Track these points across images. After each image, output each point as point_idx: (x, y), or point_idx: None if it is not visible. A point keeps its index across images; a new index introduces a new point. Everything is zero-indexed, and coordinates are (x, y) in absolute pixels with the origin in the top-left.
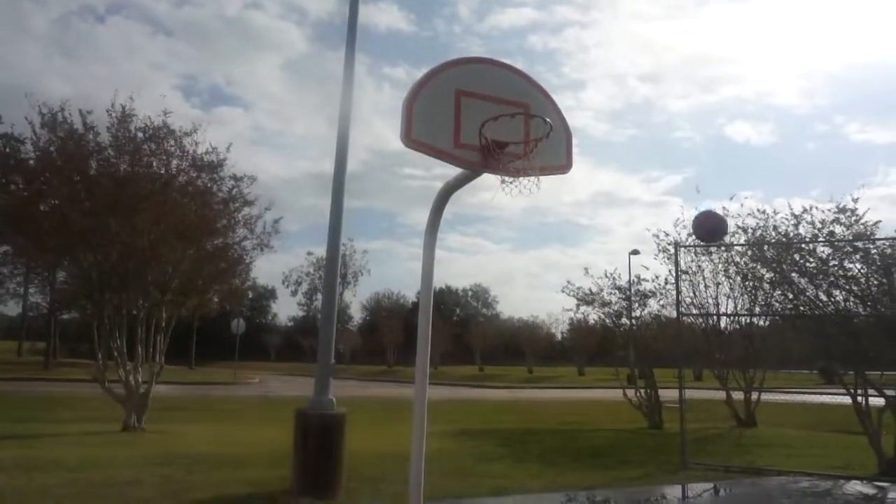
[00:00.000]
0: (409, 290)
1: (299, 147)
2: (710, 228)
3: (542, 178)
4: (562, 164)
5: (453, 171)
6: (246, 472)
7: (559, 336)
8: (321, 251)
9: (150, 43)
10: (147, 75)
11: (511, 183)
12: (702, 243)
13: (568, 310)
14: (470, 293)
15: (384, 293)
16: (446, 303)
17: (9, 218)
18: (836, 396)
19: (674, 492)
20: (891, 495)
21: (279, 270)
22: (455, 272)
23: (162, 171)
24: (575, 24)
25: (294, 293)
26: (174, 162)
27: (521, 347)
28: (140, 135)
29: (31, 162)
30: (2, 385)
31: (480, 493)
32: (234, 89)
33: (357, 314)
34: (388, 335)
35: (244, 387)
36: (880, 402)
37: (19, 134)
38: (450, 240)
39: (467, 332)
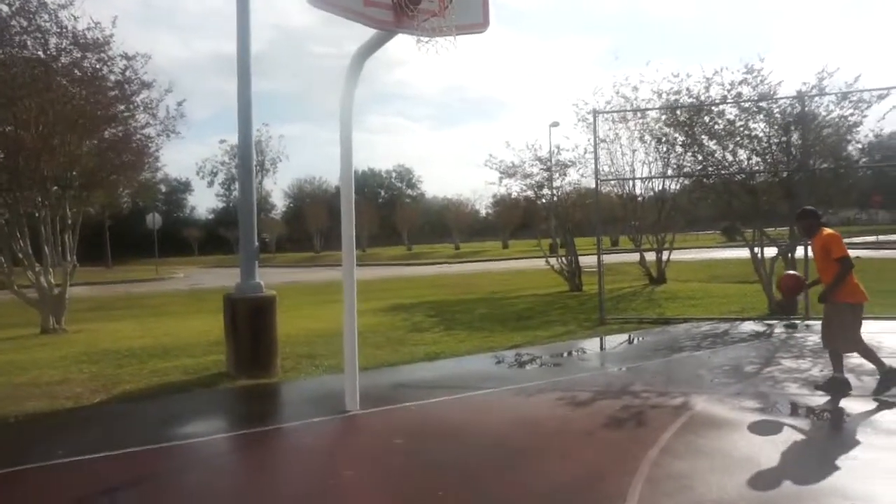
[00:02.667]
0: (330, 175)
1: (196, 25)
2: (790, 286)
3: (458, 37)
4: (478, 23)
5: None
6: (179, 361)
7: (484, 212)
8: (234, 138)
9: None
10: None
11: (427, 43)
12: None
13: (491, 183)
14: (394, 174)
15: (306, 179)
16: (370, 185)
17: None
18: (735, 251)
19: (592, 344)
20: (777, 330)
21: (192, 161)
22: (377, 154)
23: (40, 53)
24: None
25: (210, 184)
26: (52, 40)
27: (448, 225)
28: (5, 8)
29: None
30: None
31: (415, 359)
32: None
33: (280, 202)
34: (313, 221)
35: (168, 282)
36: (773, 252)
37: None
38: (369, 121)
39: (393, 214)
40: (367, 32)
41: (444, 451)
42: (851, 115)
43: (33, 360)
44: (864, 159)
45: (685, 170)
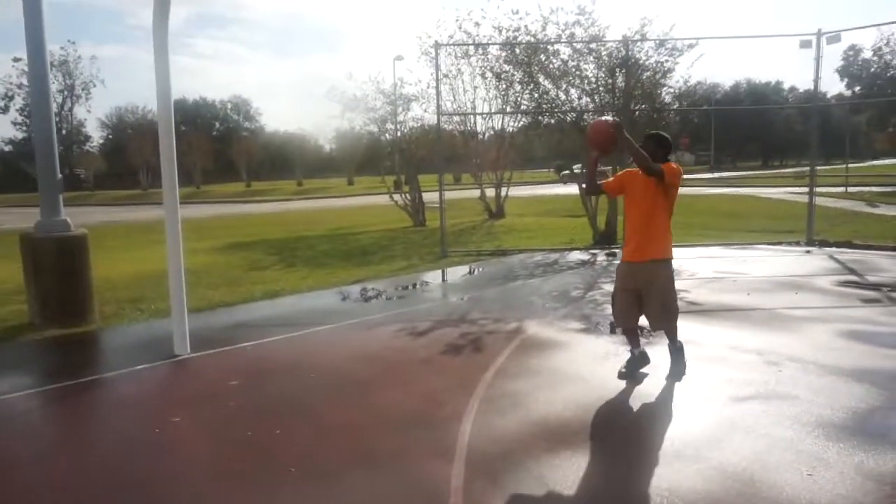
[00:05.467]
0: (155, 103)
1: None
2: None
3: None
4: None
5: None
6: None
7: (327, 148)
8: None
9: None
10: None
11: None
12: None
13: (333, 117)
14: (229, 105)
15: (127, 108)
16: (203, 116)
17: None
18: (566, 187)
19: (434, 276)
20: (599, 258)
21: None
22: (210, 83)
23: None
24: None
25: (5, 110)
26: None
27: (290, 161)
28: None
29: None
30: None
31: (253, 298)
32: None
33: (96, 133)
34: (138, 155)
35: None
36: None
37: None
38: (200, 45)
39: (230, 148)
40: None
41: (282, 389)
42: (666, 61)
43: None
44: (675, 104)
45: (522, 107)
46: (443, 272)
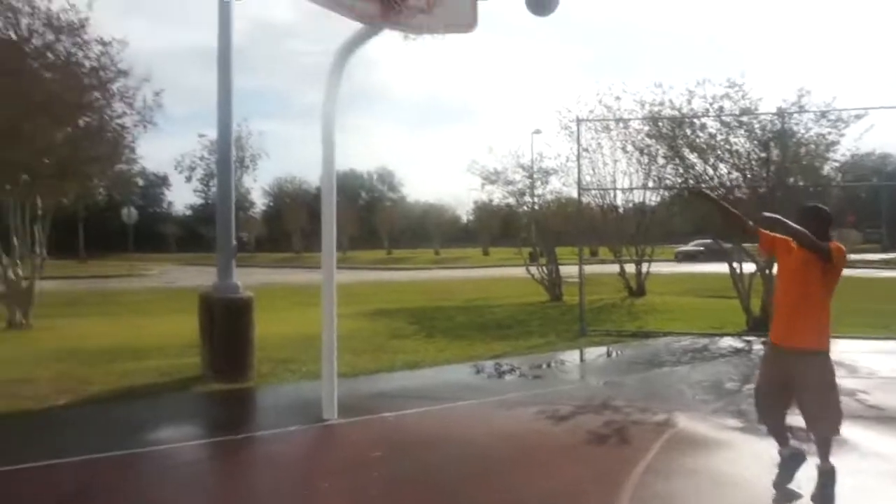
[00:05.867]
0: (310, 174)
1: (175, 16)
2: None
3: (445, 36)
4: (467, 23)
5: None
6: (152, 362)
7: (465, 218)
8: (213, 133)
9: None
10: None
11: (414, 40)
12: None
13: (473, 189)
14: (375, 176)
15: (286, 178)
16: (351, 186)
17: None
18: (715, 265)
19: (573, 356)
20: (756, 347)
21: (170, 156)
22: (358, 155)
23: (11, 33)
24: None
25: (188, 179)
26: (24, 21)
27: (428, 230)
28: None
29: None
30: None
31: (394, 367)
32: None
33: (259, 200)
34: (293, 221)
35: (142, 278)
36: (751, 268)
37: None
38: (350, 122)
39: (374, 216)
40: (351, 29)
41: (424, 463)
42: (829, 133)
43: None
44: (839, 178)
45: (666, 182)
46: (581, 352)
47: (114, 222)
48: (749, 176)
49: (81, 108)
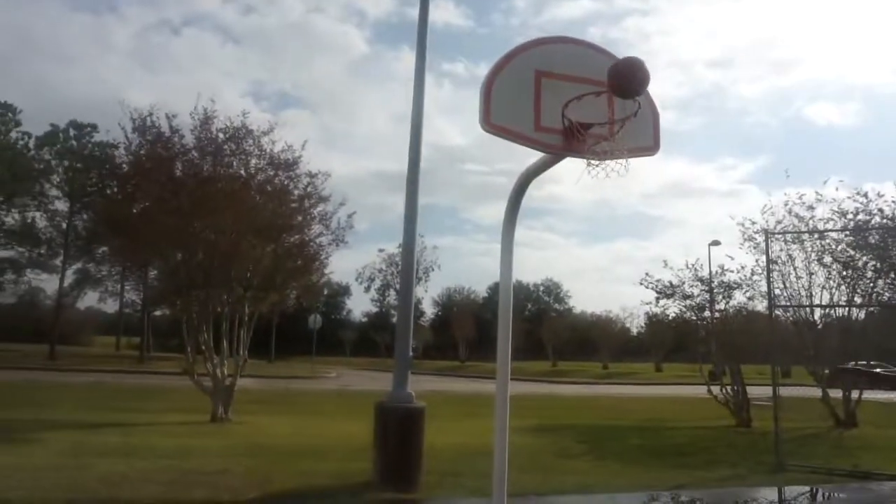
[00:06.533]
0: (477, 284)
1: (363, 147)
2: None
3: (628, 160)
4: (649, 146)
5: (517, 166)
6: (327, 464)
7: (634, 331)
8: (391, 248)
9: (221, 52)
10: (219, 82)
11: (597, 166)
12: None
13: (647, 303)
14: (541, 288)
15: (455, 288)
16: (517, 297)
17: (105, 220)
18: None
19: (769, 494)
20: None
21: (352, 268)
22: (525, 267)
23: (242, 171)
24: (634, 12)
25: (367, 289)
26: (253, 161)
27: (595, 342)
28: (221, 136)
29: (125, 166)
30: (101, 376)
31: (564, 489)
32: (300, 92)
33: (429, 309)
34: (460, 330)
35: (322, 380)
36: None
37: (113, 139)
38: (518, 234)
39: (539, 327)
40: (522, 152)
41: None
42: None
43: (202, 446)
44: None
45: (881, 297)
46: (781, 491)
47: (300, 327)
48: None
49: (287, 230)
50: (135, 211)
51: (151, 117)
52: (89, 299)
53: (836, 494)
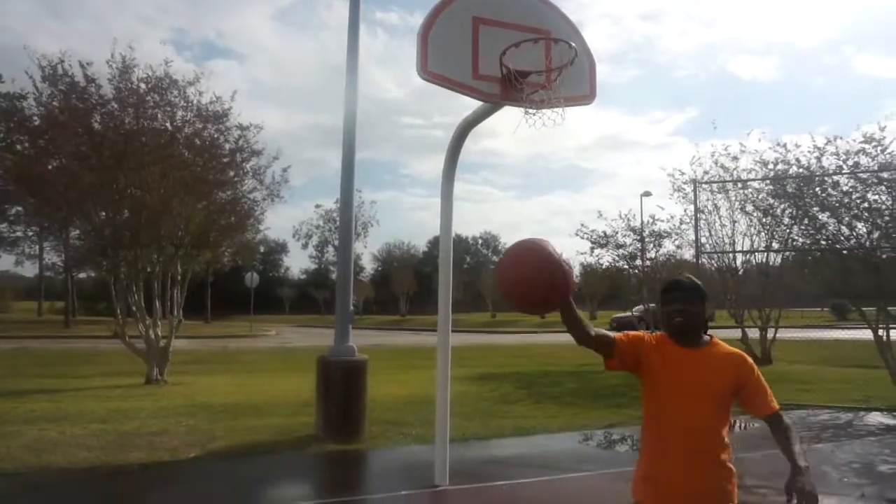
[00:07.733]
0: (417, 239)
1: (297, 99)
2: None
3: (565, 109)
4: (585, 94)
5: (455, 119)
6: (270, 419)
7: None
8: (329, 203)
9: None
10: (136, 30)
11: (534, 115)
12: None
13: (581, 253)
14: (479, 241)
15: (394, 243)
16: (456, 251)
17: (17, 178)
18: (850, 331)
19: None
20: None
21: (289, 224)
22: (463, 220)
23: (168, 124)
24: None
25: (305, 246)
26: (179, 113)
27: None
28: (143, 86)
29: (35, 119)
30: (24, 342)
31: (504, 433)
32: (226, 42)
33: (369, 265)
34: (400, 285)
35: (261, 339)
36: None
37: (21, 88)
38: (456, 188)
39: (478, 280)
40: (459, 106)
41: None
42: None
43: (137, 408)
44: None
45: (795, 243)
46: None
47: (237, 285)
48: (894, 234)
49: (219, 186)
50: (51, 167)
51: (63, 65)
52: (5, 262)
53: (752, 423)
